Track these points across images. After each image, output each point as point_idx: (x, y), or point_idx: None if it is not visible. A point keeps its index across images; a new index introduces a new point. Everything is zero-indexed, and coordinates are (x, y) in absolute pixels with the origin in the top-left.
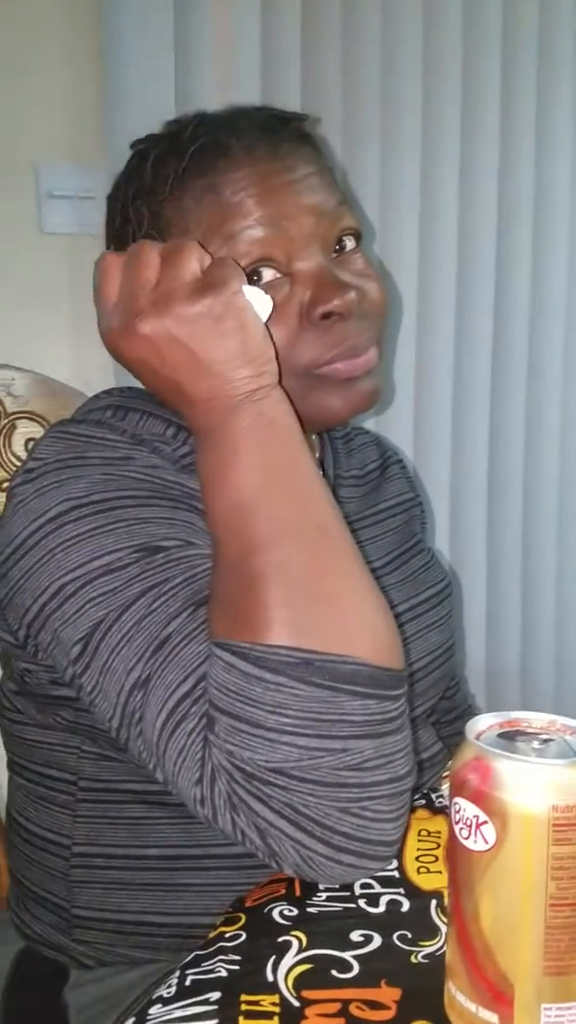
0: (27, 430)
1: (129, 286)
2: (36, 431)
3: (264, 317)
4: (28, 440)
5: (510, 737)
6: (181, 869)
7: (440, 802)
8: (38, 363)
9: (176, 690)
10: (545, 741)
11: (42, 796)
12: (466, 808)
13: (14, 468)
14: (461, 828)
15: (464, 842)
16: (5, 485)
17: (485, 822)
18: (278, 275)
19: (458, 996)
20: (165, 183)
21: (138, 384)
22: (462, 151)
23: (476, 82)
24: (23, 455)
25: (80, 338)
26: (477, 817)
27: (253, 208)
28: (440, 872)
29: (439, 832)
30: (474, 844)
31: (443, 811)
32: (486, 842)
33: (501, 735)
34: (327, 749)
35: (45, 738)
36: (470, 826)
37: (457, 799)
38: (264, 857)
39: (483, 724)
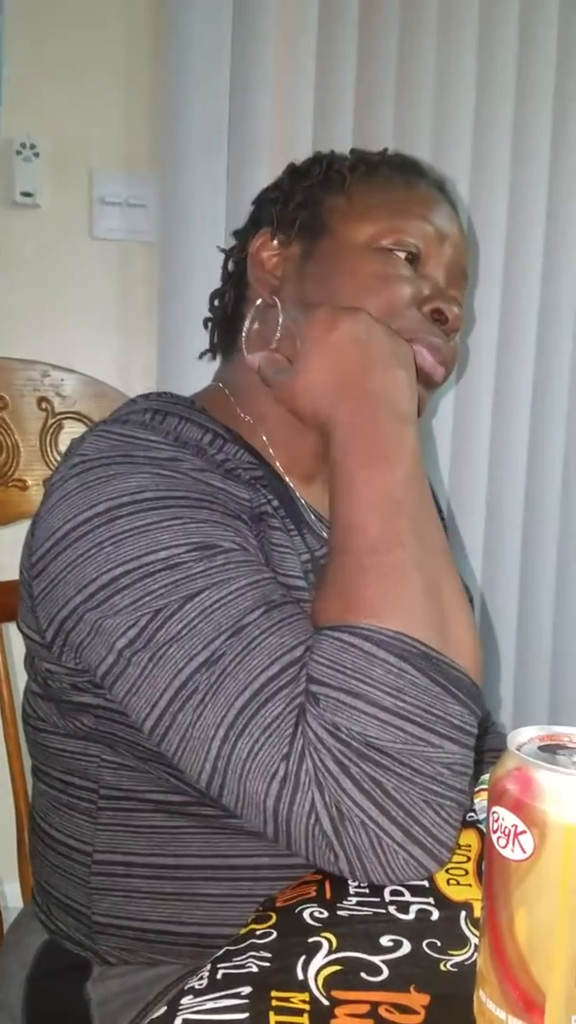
0: (73, 430)
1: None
2: (82, 432)
3: None
4: (73, 441)
5: (551, 750)
6: (200, 879)
7: (471, 816)
8: (85, 365)
9: (262, 673)
10: None
11: (64, 803)
12: (505, 817)
13: None
14: (499, 837)
15: (502, 851)
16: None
17: (524, 832)
18: (414, 264)
19: (488, 1004)
20: (362, 160)
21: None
22: (511, 192)
23: (530, 119)
24: None
25: (125, 342)
26: (516, 827)
27: (430, 218)
28: (470, 885)
29: (469, 845)
30: (511, 853)
31: (473, 825)
32: (524, 852)
33: (542, 748)
34: (429, 742)
35: (67, 746)
36: (508, 835)
37: (496, 808)
38: (319, 847)
39: (524, 736)
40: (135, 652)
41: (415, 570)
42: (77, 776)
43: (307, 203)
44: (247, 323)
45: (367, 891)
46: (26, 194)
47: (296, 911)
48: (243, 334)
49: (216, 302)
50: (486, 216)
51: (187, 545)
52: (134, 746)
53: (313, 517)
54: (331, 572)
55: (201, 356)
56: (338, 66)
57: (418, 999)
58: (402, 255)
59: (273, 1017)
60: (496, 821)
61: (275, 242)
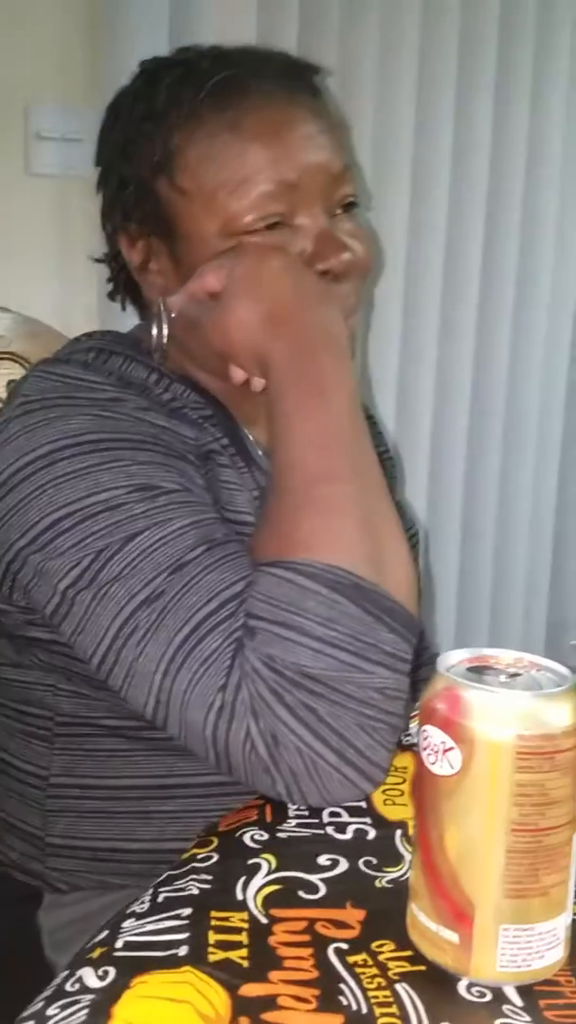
0: (8, 371)
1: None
2: (18, 373)
3: None
4: (10, 381)
5: (479, 671)
6: (154, 798)
7: (407, 739)
8: (23, 305)
9: (201, 609)
10: (513, 675)
11: (20, 731)
12: (434, 735)
13: None
14: (428, 754)
15: (431, 767)
16: None
17: (452, 748)
18: (283, 227)
19: (420, 916)
20: (179, 110)
21: (118, 328)
22: (456, 106)
23: (476, 42)
24: (3, 396)
25: (65, 281)
26: (444, 743)
27: (268, 160)
28: (405, 805)
29: (405, 768)
30: (440, 769)
31: (410, 748)
32: (452, 767)
33: (471, 669)
34: (361, 668)
35: (21, 677)
36: (437, 752)
37: (426, 727)
38: (257, 772)
39: (454, 658)
40: (78, 592)
41: (351, 504)
42: (33, 705)
43: (143, 195)
44: (154, 330)
45: (306, 813)
46: None
47: (236, 835)
48: (153, 339)
49: (111, 268)
50: (434, 135)
51: (128, 487)
52: (89, 678)
53: (260, 453)
54: (268, 511)
55: (111, 297)
56: None
57: (354, 914)
58: (263, 226)
59: (212, 935)
60: (426, 739)
61: (139, 243)
